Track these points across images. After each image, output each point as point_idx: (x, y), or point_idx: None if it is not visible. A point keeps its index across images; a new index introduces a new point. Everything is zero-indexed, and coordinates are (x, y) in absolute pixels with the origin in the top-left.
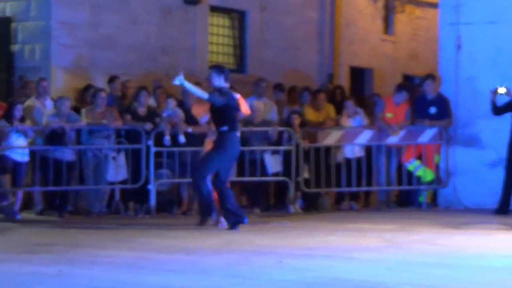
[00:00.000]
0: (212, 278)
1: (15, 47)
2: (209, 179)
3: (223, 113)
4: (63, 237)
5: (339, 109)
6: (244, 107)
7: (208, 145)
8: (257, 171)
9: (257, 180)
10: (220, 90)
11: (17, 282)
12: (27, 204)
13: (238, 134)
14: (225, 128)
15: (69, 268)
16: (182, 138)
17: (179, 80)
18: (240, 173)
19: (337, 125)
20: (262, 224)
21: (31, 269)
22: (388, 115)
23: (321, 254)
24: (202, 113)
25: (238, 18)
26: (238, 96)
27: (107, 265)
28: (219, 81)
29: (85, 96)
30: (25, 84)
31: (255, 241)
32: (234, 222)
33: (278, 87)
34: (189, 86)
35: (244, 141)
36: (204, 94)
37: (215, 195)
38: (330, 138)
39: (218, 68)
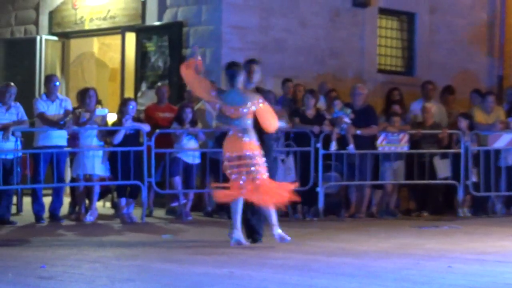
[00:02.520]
0: (382, 282)
1: (187, 51)
2: None
3: None
4: None
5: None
6: None
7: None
8: (426, 174)
9: (426, 183)
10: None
11: (191, 282)
12: (197, 205)
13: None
14: None
15: (240, 269)
16: (352, 148)
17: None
18: (409, 176)
19: (508, 127)
20: (432, 228)
21: (204, 270)
22: None
23: (494, 259)
24: None
25: (407, 20)
26: None
27: (278, 267)
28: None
29: None
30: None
31: (425, 245)
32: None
33: (448, 89)
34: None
35: (414, 143)
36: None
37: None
38: (501, 141)
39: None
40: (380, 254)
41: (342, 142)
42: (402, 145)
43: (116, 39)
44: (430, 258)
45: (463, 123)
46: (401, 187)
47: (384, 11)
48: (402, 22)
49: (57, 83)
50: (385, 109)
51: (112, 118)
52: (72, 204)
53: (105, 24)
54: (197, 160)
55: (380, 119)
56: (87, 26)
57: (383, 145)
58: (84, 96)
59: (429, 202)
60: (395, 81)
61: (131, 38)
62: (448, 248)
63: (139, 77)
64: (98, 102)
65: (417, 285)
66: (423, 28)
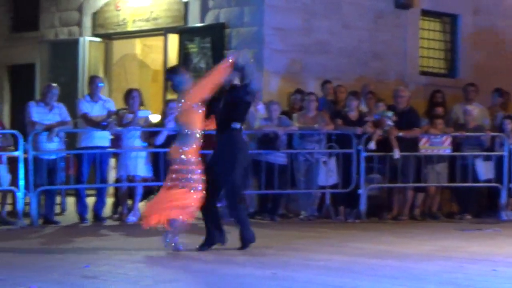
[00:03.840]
0: (425, 285)
1: (229, 53)
2: None
3: None
4: (276, 240)
5: None
6: None
7: None
8: (468, 176)
9: (468, 186)
10: None
11: (235, 283)
12: None
13: None
14: None
15: (283, 271)
16: (397, 154)
17: None
18: (451, 178)
19: None
20: (475, 231)
21: (247, 271)
22: None
23: None
24: None
25: (450, 22)
26: None
27: (321, 268)
28: None
29: (292, 101)
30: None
31: (468, 248)
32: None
33: (497, 91)
34: None
35: (457, 146)
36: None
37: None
38: None
39: None
40: (422, 257)
41: (384, 144)
42: (445, 148)
43: (158, 41)
44: (474, 261)
45: (509, 126)
46: (443, 190)
47: (427, 13)
48: (444, 24)
49: (100, 84)
50: (427, 111)
51: (155, 119)
52: (115, 205)
53: (147, 26)
54: None
55: (423, 122)
56: (129, 28)
57: (425, 147)
58: (128, 97)
59: (471, 205)
60: (437, 83)
61: (173, 39)
62: (491, 251)
63: None
64: (141, 103)
65: None
66: (466, 30)
